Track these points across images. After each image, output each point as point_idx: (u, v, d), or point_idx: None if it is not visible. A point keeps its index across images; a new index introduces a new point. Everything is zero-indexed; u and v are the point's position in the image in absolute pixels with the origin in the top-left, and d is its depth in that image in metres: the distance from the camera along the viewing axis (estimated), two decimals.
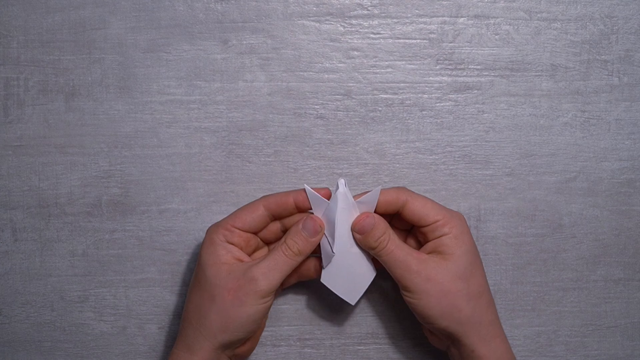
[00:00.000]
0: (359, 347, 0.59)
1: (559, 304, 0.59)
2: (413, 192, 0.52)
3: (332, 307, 0.58)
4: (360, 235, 0.51)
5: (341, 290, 0.54)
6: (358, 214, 0.52)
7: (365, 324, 0.59)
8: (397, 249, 0.51)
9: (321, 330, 0.59)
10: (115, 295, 0.58)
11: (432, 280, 0.50)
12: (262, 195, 0.57)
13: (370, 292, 0.58)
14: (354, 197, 0.52)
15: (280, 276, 0.51)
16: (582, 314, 0.59)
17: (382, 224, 0.51)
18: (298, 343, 0.59)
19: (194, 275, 0.53)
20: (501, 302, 0.59)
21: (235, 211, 0.53)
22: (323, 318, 0.58)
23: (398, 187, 0.52)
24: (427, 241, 0.52)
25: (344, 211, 0.52)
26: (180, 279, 0.58)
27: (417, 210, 0.51)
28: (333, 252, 0.52)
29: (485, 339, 0.51)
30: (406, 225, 0.54)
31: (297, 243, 0.51)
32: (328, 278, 0.53)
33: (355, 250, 0.53)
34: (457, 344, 0.51)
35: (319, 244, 0.52)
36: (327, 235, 0.52)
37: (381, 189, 0.51)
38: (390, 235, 0.51)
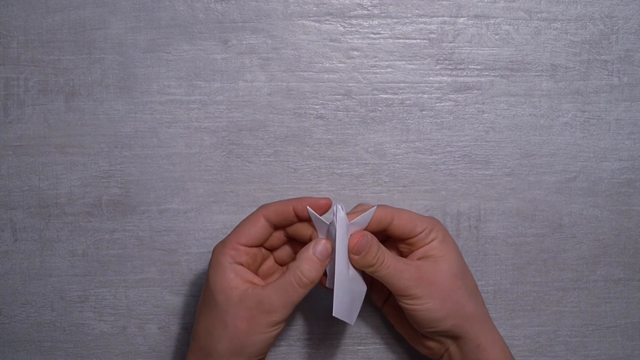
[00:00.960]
0: (359, 347, 0.59)
1: (559, 304, 0.59)
2: (393, 207, 0.52)
3: (332, 307, 0.58)
4: (358, 256, 0.50)
5: (346, 314, 0.52)
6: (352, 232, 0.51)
7: (365, 324, 0.59)
8: (394, 262, 0.50)
9: (321, 330, 0.59)
10: (115, 295, 0.58)
11: (434, 283, 0.50)
12: (262, 195, 0.57)
13: (370, 293, 0.58)
14: (348, 214, 0.51)
15: (293, 306, 0.50)
16: (582, 314, 0.59)
17: (375, 240, 0.51)
18: (298, 343, 0.59)
19: (203, 295, 0.51)
20: (501, 302, 0.59)
21: (238, 227, 0.51)
22: (323, 318, 0.59)
23: (378, 206, 0.51)
24: (413, 250, 0.52)
25: (344, 236, 0.50)
26: (180, 279, 0.58)
27: (404, 224, 0.51)
28: (332, 280, 0.51)
29: (489, 330, 0.52)
30: (383, 238, 0.53)
31: (311, 270, 0.49)
32: (339, 309, 0.51)
33: (352, 271, 0.51)
34: (461, 342, 0.51)
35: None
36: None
37: (377, 207, 0.50)
38: (384, 251, 0.51)
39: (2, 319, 0.58)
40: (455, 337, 0.52)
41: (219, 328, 0.50)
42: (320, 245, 0.50)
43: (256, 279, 0.51)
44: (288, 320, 0.58)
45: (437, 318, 0.50)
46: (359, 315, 0.59)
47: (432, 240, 0.51)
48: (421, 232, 0.51)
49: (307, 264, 0.49)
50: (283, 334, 0.58)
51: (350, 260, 0.51)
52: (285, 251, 0.54)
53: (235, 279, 0.50)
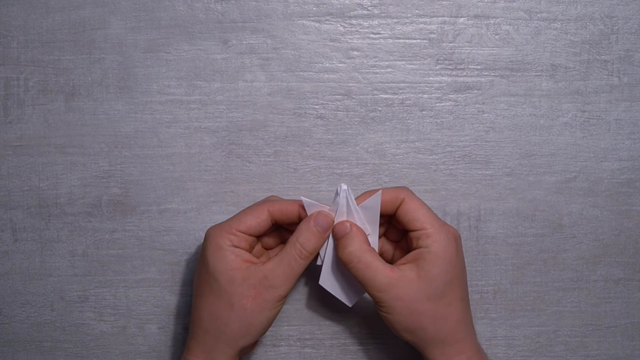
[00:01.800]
0: (359, 347, 0.59)
1: (559, 304, 0.59)
2: (414, 194, 0.52)
3: (332, 307, 0.58)
4: (335, 241, 0.51)
5: (339, 292, 0.54)
6: (362, 218, 0.52)
7: (365, 324, 0.59)
8: (366, 267, 0.50)
9: (321, 330, 0.59)
10: (115, 295, 0.58)
11: (400, 299, 0.50)
12: (262, 195, 0.57)
13: None
14: (356, 199, 0.52)
15: (296, 279, 0.51)
16: (582, 314, 0.59)
17: (356, 238, 0.50)
18: (298, 343, 0.59)
19: (202, 281, 0.52)
20: (501, 302, 0.59)
21: (239, 214, 0.52)
22: (323, 318, 0.59)
23: (399, 187, 0.52)
24: (411, 249, 0.51)
25: (343, 216, 0.51)
26: (180, 279, 0.58)
27: (410, 211, 0.51)
28: (322, 259, 0.53)
29: (449, 356, 0.51)
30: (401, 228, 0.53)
31: (310, 241, 0.51)
32: (326, 280, 0.53)
33: None
34: (423, 355, 0.52)
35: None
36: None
37: (382, 189, 0.51)
38: (361, 249, 0.50)
39: (2, 319, 0.58)
40: (416, 347, 0.52)
41: (226, 311, 0.50)
42: (321, 217, 0.51)
43: (254, 259, 0.52)
44: (288, 320, 0.58)
45: (396, 329, 0.51)
46: (359, 316, 0.59)
47: (422, 247, 0.50)
48: (419, 230, 0.50)
49: (306, 235, 0.51)
50: (283, 333, 0.58)
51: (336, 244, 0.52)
52: (273, 237, 0.55)
53: (236, 260, 0.50)
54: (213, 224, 0.57)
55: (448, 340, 0.50)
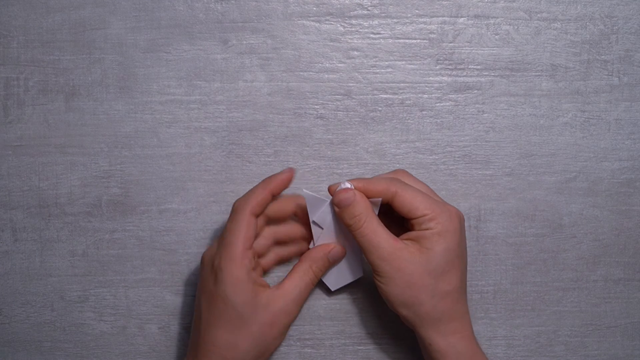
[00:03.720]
0: (359, 347, 0.59)
1: (559, 304, 0.59)
2: (407, 182, 0.52)
3: (332, 307, 0.58)
4: (339, 210, 0.52)
5: (326, 275, 0.56)
6: None
7: (365, 324, 0.59)
8: (371, 233, 0.51)
9: (321, 330, 0.59)
10: (115, 295, 0.58)
11: (401, 270, 0.50)
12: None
13: (371, 292, 0.58)
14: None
15: (305, 301, 0.54)
16: (582, 314, 0.59)
17: (361, 203, 0.51)
18: (298, 343, 0.59)
19: (217, 312, 0.51)
20: (501, 302, 0.59)
21: (233, 233, 0.51)
22: (323, 318, 0.59)
23: (393, 176, 0.53)
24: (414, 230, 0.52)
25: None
26: (180, 279, 0.58)
27: (406, 203, 0.51)
28: (315, 243, 0.55)
29: (443, 334, 0.51)
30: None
31: (323, 270, 0.54)
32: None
33: (348, 247, 0.54)
34: (416, 334, 0.52)
35: (312, 231, 0.54)
36: (320, 225, 0.54)
37: (377, 178, 0.52)
38: (367, 217, 0.51)
39: (2, 319, 0.58)
40: (411, 325, 0.52)
41: (246, 340, 0.51)
42: (335, 251, 0.54)
43: (264, 282, 0.53)
44: None
45: (392, 301, 0.51)
46: (359, 316, 0.59)
47: (426, 230, 0.51)
48: (419, 217, 0.51)
49: (321, 264, 0.54)
50: None
51: (335, 212, 0.53)
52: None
53: (254, 289, 0.51)
54: (213, 224, 0.58)
55: (444, 318, 0.51)
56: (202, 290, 0.52)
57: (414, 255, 0.50)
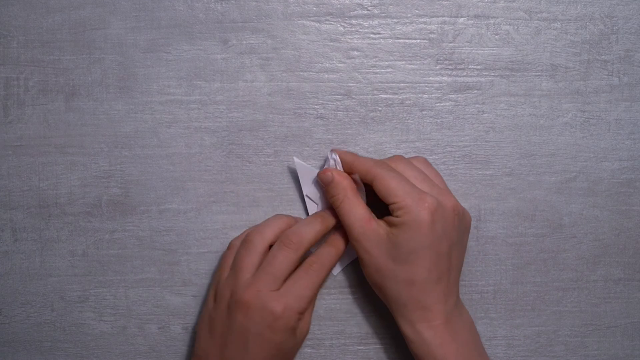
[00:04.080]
0: (359, 347, 0.59)
1: (559, 304, 0.59)
2: (398, 167, 0.53)
3: (332, 307, 0.58)
4: (323, 186, 0.54)
5: None
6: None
7: (365, 324, 0.59)
8: (346, 214, 0.52)
9: (321, 330, 0.59)
10: (115, 295, 0.58)
11: (368, 252, 0.52)
12: (262, 195, 0.57)
13: (371, 292, 0.58)
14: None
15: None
16: (582, 314, 0.59)
17: (340, 183, 0.53)
18: None
19: (259, 348, 0.52)
20: (501, 302, 0.59)
21: (271, 273, 0.52)
22: (323, 318, 0.58)
23: (387, 161, 0.54)
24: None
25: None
26: (180, 279, 0.58)
27: (382, 188, 0.52)
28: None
29: (409, 321, 0.52)
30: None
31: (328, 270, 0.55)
32: None
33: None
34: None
35: (307, 208, 0.56)
36: (314, 201, 0.56)
37: (366, 158, 0.54)
38: (345, 197, 0.53)
39: (2, 319, 0.58)
40: (388, 307, 0.54)
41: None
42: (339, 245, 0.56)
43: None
44: None
45: (369, 283, 0.54)
46: (359, 316, 0.59)
47: (396, 217, 0.51)
48: (391, 204, 0.51)
49: (331, 261, 0.55)
50: None
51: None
52: None
53: (301, 327, 0.54)
54: (213, 224, 0.58)
55: (409, 305, 0.52)
56: (258, 338, 0.52)
57: (381, 239, 0.51)
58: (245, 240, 0.54)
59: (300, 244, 0.52)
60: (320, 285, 0.54)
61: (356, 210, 0.52)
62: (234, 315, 0.51)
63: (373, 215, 0.52)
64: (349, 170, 0.54)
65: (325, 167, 0.55)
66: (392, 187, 0.51)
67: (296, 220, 0.55)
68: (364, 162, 0.53)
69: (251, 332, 0.51)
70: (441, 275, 0.52)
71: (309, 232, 0.53)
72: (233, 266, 0.53)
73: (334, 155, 0.54)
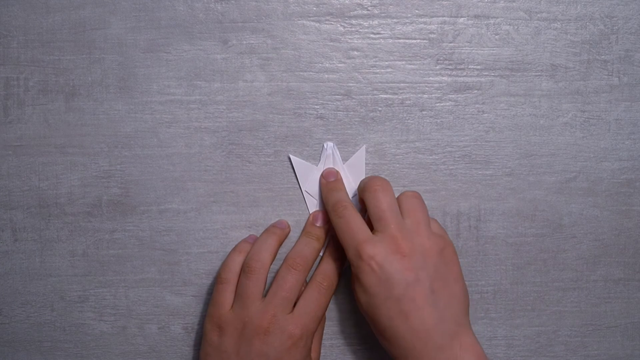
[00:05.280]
0: (359, 347, 0.59)
1: (559, 304, 0.59)
2: (379, 193, 0.52)
3: (332, 307, 0.58)
4: (324, 182, 0.55)
5: None
6: (348, 175, 0.56)
7: (366, 324, 0.59)
8: (343, 228, 0.52)
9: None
10: (115, 295, 0.58)
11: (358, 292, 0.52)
12: (262, 195, 0.57)
13: None
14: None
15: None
16: (582, 314, 0.59)
17: (340, 190, 0.54)
18: None
19: None
20: (501, 302, 0.59)
21: (283, 301, 0.52)
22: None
23: (371, 183, 0.53)
24: None
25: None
26: (180, 279, 0.58)
27: (369, 213, 0.52)
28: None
29: (400, 347, 0.50)
30: None
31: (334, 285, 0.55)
32: None
33: None
34: None
35: (306, 202, 0.57)
36: (313, 196, 0.56)
37: (364, 150, 0.55)
38: (349, 208, 0.53)
39: (2, 319, 0.58)
40: None
41: None
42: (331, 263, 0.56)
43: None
44: None
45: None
46: (359, 315, 0.59)
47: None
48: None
49: (334, 276, 0.55)
50: None
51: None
52: None
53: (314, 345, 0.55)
54: (213, 224, 0.58)
55: (386, 329, 0.50)
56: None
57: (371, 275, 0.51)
58: (246, 270, 0.53)
59: (307, 265, 0.53)
60: (329, 302, 0.54)
61: (350, 229, 0.52)
62: (250, 343, 0.51)
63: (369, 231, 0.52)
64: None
65: (323, 161, 0.55)
66: (374, 218, 0.52)
67: (282, 230, 0.56)
68: (335, 196, 0.54)
69: (270, 357, 0.51)
70: (437, 311, 0.49)
71: (311, 252, 0.54)
72: (239, 297, 0.53)
73: (330, 144, 0.54)
